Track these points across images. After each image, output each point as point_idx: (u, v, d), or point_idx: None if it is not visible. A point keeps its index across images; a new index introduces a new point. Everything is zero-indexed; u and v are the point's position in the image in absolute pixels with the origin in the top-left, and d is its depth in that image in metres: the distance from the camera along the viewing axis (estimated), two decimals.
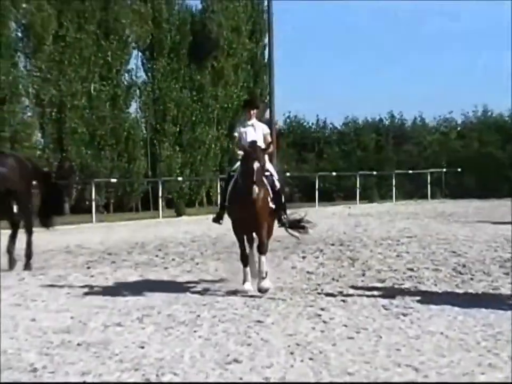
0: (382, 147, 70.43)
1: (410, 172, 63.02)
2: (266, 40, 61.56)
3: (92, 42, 53.90)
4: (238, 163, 19.42)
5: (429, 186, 62.34)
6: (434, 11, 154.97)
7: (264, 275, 19.35)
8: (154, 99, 59.77)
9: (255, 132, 18.68)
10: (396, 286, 20.43)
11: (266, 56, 61.80)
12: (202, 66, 60.11)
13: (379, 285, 20.71)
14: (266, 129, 19.00)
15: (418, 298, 18.85)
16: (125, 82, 58.47)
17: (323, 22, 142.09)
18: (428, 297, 18.91)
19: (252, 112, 18.55)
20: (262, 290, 18.98)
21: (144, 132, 61.45)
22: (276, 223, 21.00)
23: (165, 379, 12.03)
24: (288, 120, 75.28)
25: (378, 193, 62.79)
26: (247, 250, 20.81)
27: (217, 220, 20.29)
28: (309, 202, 58.93)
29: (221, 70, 58.86)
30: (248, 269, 19.78)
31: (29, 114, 52.31)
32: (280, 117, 67.93)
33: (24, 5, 51.66)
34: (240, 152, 18.88)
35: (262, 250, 19.50)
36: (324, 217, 43.87)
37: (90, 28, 53.68)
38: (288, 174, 62.91)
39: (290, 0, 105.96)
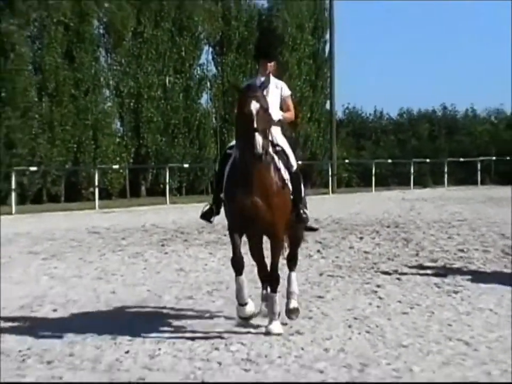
0: (435, 136, 70.17)
1: (462, 160, 62.79)
2: (327, 36, 61.68)
3: (167, 38, 54.12)
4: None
5: (479, 173, 62.18)
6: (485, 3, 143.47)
7: (276, 316, 12.79)
8: (223, 91, 59.95)
9: (270, 91, 12.37)
10: (447, 266, 20.35)
11: (327, 51, 62.08)
12: None
13: (431, 264, 20.65)
14: (286, 90, 12.68)
15: (468, 277, 18.79)
16: (197, 76, 58.59)
17: (379, 17, 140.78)
18: (478, 276, 18.85)
19: (268, 64, 12.52)
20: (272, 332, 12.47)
21: (214, 121, 61.63)
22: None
23: (232, 348, 12.07)
24: (347, 110, 75.11)
25: (431, 180, 62.57)
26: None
27: (207, 216, 13.43)
28: (365, 187, 58.97)
29: (285, 64, 58.75)
30: (243, 277, 12.78)
31: (109, 104, 52.78)
32: (339, 108, 67.79)
33: (106, 4, 52.06)
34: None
35: (274, 271, 13.00)
36: (380, 201, 43.84)
37: (166, 25, 53.92)
38: (347, 160, 62.94)
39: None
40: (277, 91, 12.46)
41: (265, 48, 12.67)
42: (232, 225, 12.80)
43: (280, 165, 12.57)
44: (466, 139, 66.83)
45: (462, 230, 26.99)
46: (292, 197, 12.66)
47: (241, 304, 12.78)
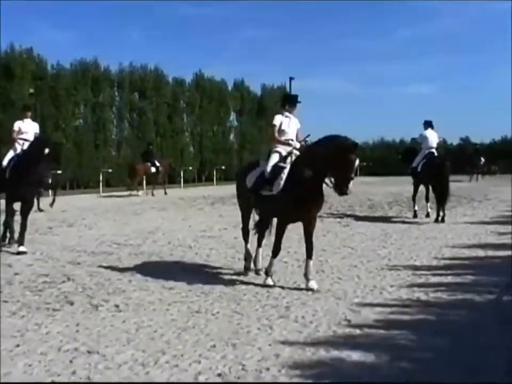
0: None
1: None
2: None
3: (214, 108, 53.98)
4: (293, 151, 9.59)
5: (358, 170, 62.03)
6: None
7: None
8: (241, 133, 60.16)
9: (292, 124, 10.00)
10: (344, 213, 20.41)
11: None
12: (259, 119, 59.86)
13: (336, 213, 20.60)
14: (298, 124, 10.19)
15: (353, 218, 18.84)
16: (228, 126, 57.92)
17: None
18: (357, 218, 18.85)
19: (293, 107, 10.04)
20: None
21: (236, 146, 61.29)
22: None
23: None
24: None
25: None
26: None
27: None
28: None
29: (270, 120, 58.15)
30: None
31: (188, 139, 51.87)
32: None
33: (187, 93, 52.20)
34: (285, 138, 9.80)
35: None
36: None
37: (214, 103, 53.95)
38: None
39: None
40: (295, 124, 9.94)
41: (294, 96, 10.25)
42: (287, 219, 9.42)
43: None
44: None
45: (350, 198, 27.02)
46: None
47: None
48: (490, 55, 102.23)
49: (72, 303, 8.19)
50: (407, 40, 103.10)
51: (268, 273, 9.42)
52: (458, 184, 30.52)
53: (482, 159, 46.64)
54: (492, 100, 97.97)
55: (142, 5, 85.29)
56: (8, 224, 13.19)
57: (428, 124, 19.20)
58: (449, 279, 9.44)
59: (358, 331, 6.76)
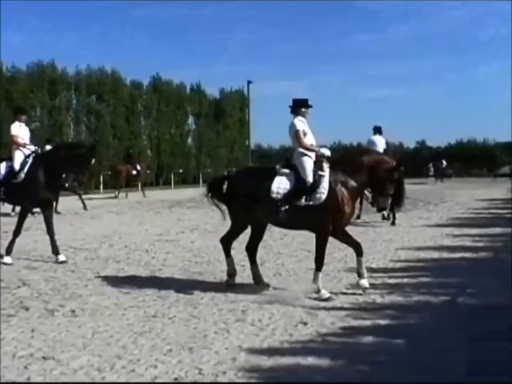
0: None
1: None
2: (246, 110, 60.08)
3: (172, 111, 53.88)
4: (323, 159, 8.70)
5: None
6: None
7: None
8: (198, 137, 59.91)
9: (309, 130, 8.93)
10: None
11: (247, 118, 61.12)
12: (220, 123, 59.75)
13: None
14: None
15: None
16: (186, 129, 57.91)
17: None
18: None
19: (308, 111, 8.99)
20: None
21: (194, 149, 61.02)
22: None
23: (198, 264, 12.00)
24: (256, 145, 73.67)
25: None
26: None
27: None
28: None
29: (228, 124, 58.31)
30: None
31: (145, 142, 51.98)
32: (252, 144, 66.13)
33: (144, 96, 51.93)
34: (319, 149, 8.74)
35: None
36: None
37: (172, 106, 53.82)
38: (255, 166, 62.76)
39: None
40: (309, 129, 9.01)
41: (306, 99, 9.13)
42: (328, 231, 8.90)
43: None
44: None
45: None
46: None
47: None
48: (490, 55, 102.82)
49: (27, 309, 8.06)
50: (407, 40, 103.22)
51: (318, 290, 8.62)
52: (414, 187, 30.73)
53: (444, 162, 48.94)
54: (491, 100, 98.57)
55: (133, 4, 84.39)
56: None
57: (377, 130, 19.31)
58: (405, 281, 9.54)
59: (314, 334, 6.79)
